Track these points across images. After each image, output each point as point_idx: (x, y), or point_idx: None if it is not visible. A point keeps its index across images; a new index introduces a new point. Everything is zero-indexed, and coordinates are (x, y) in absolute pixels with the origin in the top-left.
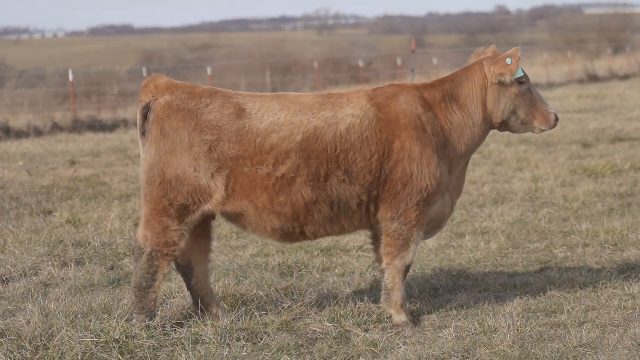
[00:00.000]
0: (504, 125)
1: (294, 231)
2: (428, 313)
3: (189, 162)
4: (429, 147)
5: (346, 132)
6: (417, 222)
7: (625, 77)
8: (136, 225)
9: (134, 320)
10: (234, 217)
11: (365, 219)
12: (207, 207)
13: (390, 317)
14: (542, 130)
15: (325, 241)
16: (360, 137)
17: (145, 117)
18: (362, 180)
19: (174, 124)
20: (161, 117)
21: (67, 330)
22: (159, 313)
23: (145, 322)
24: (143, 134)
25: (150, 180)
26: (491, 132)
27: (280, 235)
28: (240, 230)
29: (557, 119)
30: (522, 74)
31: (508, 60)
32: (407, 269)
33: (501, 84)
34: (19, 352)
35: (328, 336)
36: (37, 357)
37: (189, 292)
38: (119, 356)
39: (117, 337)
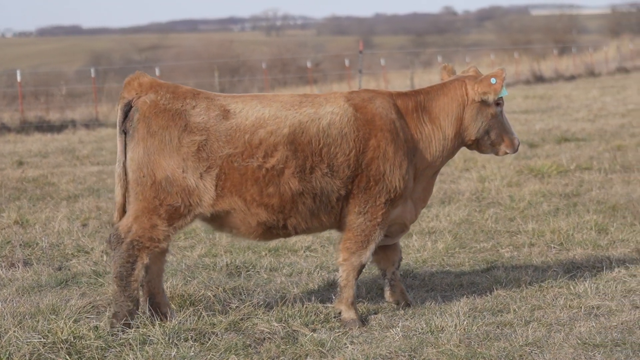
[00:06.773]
0: (475, 144)
1: (277, 224)
2: (375, 313)
3: (177, 164)
4: (402, 151)
5: (328, 127)
6: (381, 220)
7: (572, 77)
8: (84, 225)
9: (114, 312)
10: (219, 217)
11: (340, 216)
12: (198, 210)
13: (340, 313)
14: (506, 153)
15: (273, 241)
16: (340, 133)
17: (126, 114)
18: (342, 175)
19: (162, 122)
20: (148, 115)
21: (14, 331)
22: (107, 314)
23: (130, 308)
24: (123, 131)
25: (140, 181)
26: None
27: (264, 229)
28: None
29: (519, 144)
30: (506, 94)
31: (493, 80)
32: (362, 267)
33: (483, 102)
34: None
35: (276, 336)
36: None
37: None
38: (67, 357)
39: (65, 337)
